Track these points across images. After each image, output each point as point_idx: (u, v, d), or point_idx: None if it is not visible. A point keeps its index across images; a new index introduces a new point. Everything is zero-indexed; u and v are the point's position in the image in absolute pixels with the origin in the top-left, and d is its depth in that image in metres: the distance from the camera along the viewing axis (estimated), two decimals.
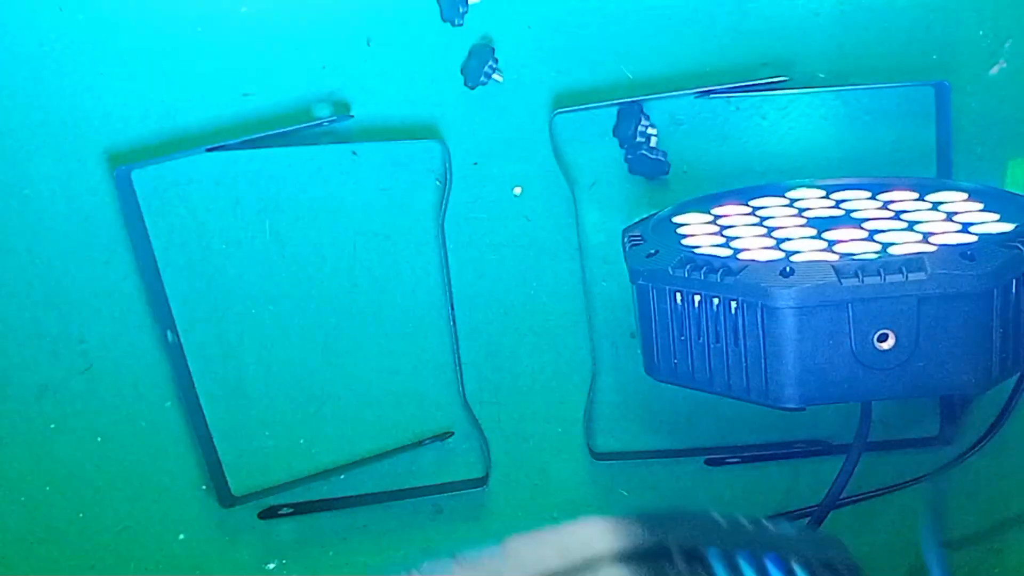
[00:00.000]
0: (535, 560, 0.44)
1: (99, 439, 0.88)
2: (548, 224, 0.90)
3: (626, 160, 0.89)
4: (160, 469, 0.88)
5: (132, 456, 0.88)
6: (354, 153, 0.88)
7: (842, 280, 0.70)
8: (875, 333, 0.71)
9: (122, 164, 0.84)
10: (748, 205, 0.85)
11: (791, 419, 0.91)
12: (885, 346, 0.71)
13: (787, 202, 0.85)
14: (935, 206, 0.81)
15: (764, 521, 0.57)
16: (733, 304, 0.72)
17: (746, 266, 0.73)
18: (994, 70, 0.90)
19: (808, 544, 0.59)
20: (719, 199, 0.86)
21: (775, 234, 0.79)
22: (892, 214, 0.80)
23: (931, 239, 0.75)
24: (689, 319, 0.75)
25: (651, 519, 0.47)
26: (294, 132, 0.85)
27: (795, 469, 0.92)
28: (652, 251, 0.77)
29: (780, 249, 0.76)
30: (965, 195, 0.82)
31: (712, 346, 0.74)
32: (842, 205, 0.83)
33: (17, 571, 0.88)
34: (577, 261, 0.90)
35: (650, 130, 0.89)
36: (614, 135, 0.89)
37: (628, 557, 0.44)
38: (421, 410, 0.90)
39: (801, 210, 0.83)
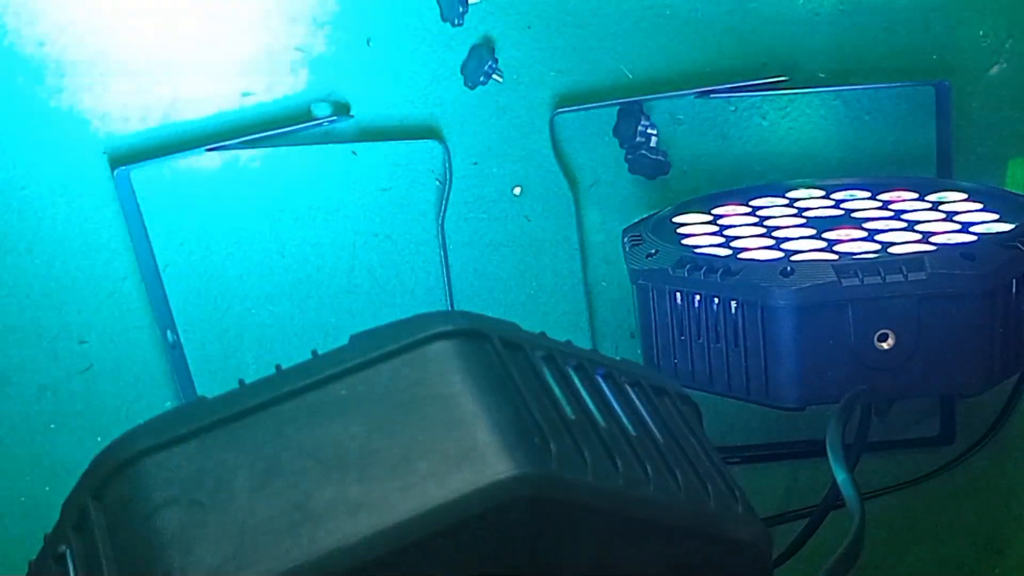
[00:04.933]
0: (375, 345, 0.52)
1: (99, 439, 0.88)
2: (548, 224, 0.90)
3: (626, 160, 0.89)
4: None
5: None
6: (354, 153, 0.88)
7: (842, 280, 0.70)
8: (875, 333, 0.71)
9: (122, 164, 0.84)
10: (748, 205, 0.85)
11: (791, 419, 0.91)
12: (885, 346, 0.71)
13: (787, 202, 0.85)
14: (935, 206, 0.81)
15: (599, 351, 0.59)
16: (733, 304, 0.72)
17: (746, 266, 0.73)
18: (994, 70, 0.90)
19: (640, 370, 0.60)
20: (719, 199, 0.86)
21: (775, 234, 0.79)
22: (892, 214, 0.80)
23: (931, 239, 0.75)
24: (689, 319, 0.75)
25: (481, 317, 0.53)
26: (294, 132, 0.85)
27: (795, 469, 0.92)
28: (652, 251, 0.77)
29: (780, 249, 0.76)
30: (965, 195, 0.82)
31: (712, 346, 0.74)
32: (842, 205, 0.83)
33: (17, 571, 0.88)
34: (577, 261, 0.90)
35: (650, 130, 0.89)
36: (614, 135, 0.89)
37: (452, 335, 0.51)
38: None
39: (801, 210, 0.83)
